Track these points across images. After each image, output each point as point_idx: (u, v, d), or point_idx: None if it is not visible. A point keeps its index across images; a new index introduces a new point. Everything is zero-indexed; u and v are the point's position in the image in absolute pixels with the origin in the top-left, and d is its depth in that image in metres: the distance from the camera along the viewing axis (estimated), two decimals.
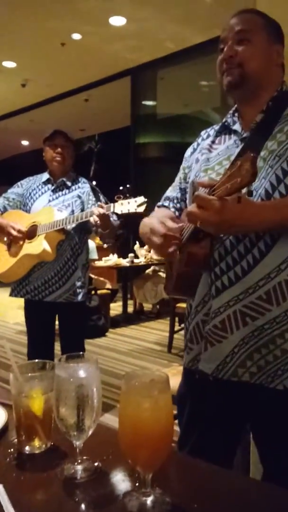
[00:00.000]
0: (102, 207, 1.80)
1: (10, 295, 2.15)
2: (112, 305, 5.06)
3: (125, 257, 5.05)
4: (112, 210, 1.77)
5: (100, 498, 0.58)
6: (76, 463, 0.63)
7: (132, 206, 1.73)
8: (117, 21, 4.39)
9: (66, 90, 6.43)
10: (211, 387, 0.94)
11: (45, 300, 2.03)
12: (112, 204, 1.79)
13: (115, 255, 5.07)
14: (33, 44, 4.89)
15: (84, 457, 0.64)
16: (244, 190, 0.80)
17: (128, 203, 1.75)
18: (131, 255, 5.03)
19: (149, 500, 0.56)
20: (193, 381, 0.99)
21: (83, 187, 2.10)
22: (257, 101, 0.94)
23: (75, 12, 4.21)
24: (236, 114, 1.00)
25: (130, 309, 5.33)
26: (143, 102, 6.16)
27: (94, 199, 2.08)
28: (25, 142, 9.89)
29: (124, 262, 4.96)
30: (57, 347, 2.17)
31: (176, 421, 1.07)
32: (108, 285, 4.94)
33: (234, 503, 0.58)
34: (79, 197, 2.06)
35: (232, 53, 0.92)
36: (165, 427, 0.56)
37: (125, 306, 5.16)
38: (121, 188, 8.27)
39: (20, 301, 2.25)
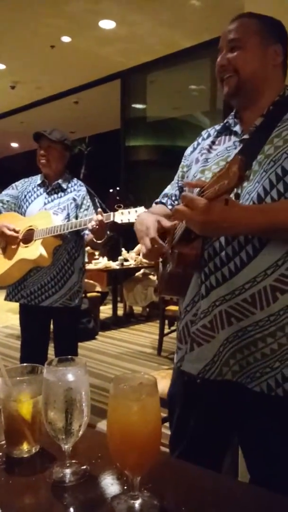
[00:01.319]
0: (101, 214, 1.78)
1: (5, 299, 2.12)
2: (102, 308, 5.04)
3: (115, 260, 5.04)
4: (111, 219, 1.76)
5: (89, 501, 0.58)
6: (64, 467, 0.63)
7: (132, 216, 1.72)
8: (106, 24, 4.41)
9: (56, 93, 6.42)
10: (199, 388, 0.95)
11: (41, 305, 2.01)
12: (112, 213, 1.77)
13: (105, 258, 5.06)
14: (22, 46, 4.88)
15: (73, 461, 0.64)
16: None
17: (129, 212, 1.73)
18: (121, 258, 5.03)
19: (137, 503, 0.56)
20: (183, 382, 0.99)
21: (79, 190, 2.08)
22: (257, 104, 0.94)
23: (65, 15, 4.21)
24: (237, 116, 1.00)
25: (120, 312, 5.32)
26: (133, 105, 6.19)
27: (88, 203, 2.05)
28: (15, 144, 9.82)
29: (114, 265, 4.95)
30: (50, 350, 2.15)
31: (166, 424, 1.08)
32: (98, 288, 4.92)
33: (222, 506, 0.58)
34: (74, 200, 2.04)
35: (224, 62, 0.94)
36: (153, 431, 0.57)
37: (115, 309, 5.15)
38: (111, 190, 8.27)
39: (10, 304, 2.23)
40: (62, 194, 2.06)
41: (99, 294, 4.82)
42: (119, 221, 1.74)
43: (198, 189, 0.82)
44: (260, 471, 0.92)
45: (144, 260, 5.06)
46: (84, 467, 0.64)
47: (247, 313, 0.87)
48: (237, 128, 0.98)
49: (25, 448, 0.68)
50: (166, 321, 3.97)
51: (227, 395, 0.93)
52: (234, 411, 0.94)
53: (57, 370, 0.64)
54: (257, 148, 0.89)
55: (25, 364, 0.72)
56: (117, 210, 1.76)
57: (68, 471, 0.63)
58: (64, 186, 2.07)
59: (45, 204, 2.03)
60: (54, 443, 0.64)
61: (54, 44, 4.82)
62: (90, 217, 1.84)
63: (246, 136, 0.94)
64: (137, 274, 5.23)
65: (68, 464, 0.64)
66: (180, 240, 0.90)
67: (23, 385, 0.68)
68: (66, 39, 4.73)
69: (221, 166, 0.94)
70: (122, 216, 1.74)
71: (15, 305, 2.20)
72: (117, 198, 6.93)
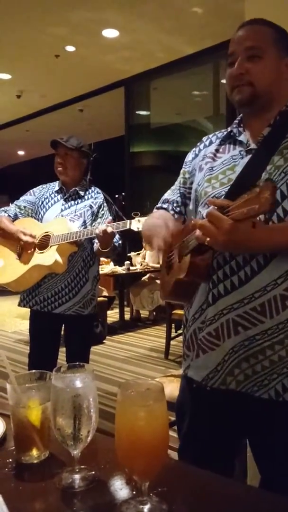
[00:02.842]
0: (109, 224, 1.77)
1: (19, 305, 2.12)
2: (109, 312, 5.05)
3: (121, 264, 5.06)
4: (128, 226, 1.75)
5: (98, 507, 0.59)
6: (73, 473, 0.64)
7: None
8: (110, 33, 4.46)
9: (60, 101, 6.50)
10: (207, 395, 0.95)
11: (54, 312, 2.00)
12: (128, 221, 1.76)
13: (111, 263, 5.08)
14: (28, 56, 4.96)
15: (82, 466, 0.65)
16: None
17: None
18: (127, 262, 5.05)
19: (146, 508, 0.57)
20: (191, 389, 1.00)
21: (96, 197, 2.07)
22: (265, 115, 0.94)
23: (69, 25, 4.28)
24: (242, 125, 1.00)
25: (127, 316, 5.33)
26: (137, 112, 6.23)
27: (103, 212, 2.05)
28: (21, 152, 9.93)
29: (120, 269, 4.97)
30: (61, 356, 2.16)
31: (174, 427, 1.08)
32: (105, 293, 4.94)
33: (232, 510, 0.58)
34: (91, 207, 2.04)
35: (243, 70, 0.91)
36: (160, 436, 0.57)
37: (122, 313, 5.16)
38: (116, 196, 8.30)
39: (19, 310, 2.24)
40: (79, 201, 2.06)
41: (106, 299, 4.84)
42: (135, 229, 1.72)
43: (220, 207, 0.80)
44: (272, 474, 0.92)
45: (151, 264, 5.08)
46: (93, 472, 0.65)
47: (255, 322, 0.87)
48: (242, 138, 0.97)
49: (35, 454, 0.69)
50: (173, 325, 3.96)
51: (235, 402, 0.93)
52: (243, 417, 0.94)
53: (65, 376, 0.65)
54: (266, 159, 0.89)
55: (33, 371, 0.73)
56: (133, 218, 1.75)
57: (77, 476, 0.64)
58: (81, 193, 2.07)
59: (62, 210, 2.04)
60: (63, 449, 0.65)
61: (58, 53, 4.89)
62: (100, 226, 1.84)
63: (253, 146, 0.94)
64: (143, 278, 5.24)
65: (77, 470, 0.64)
66: (193, 250, 0.89)
67: (32, 391, 0.69)
68: (70, 48, 4.79)
69: (228, 175, 0.95)
70: (139, 223, 1.72)
71: (24, 311, 2.21)
72: (123, 203, 6.96)
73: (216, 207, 0.80)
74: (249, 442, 1.01)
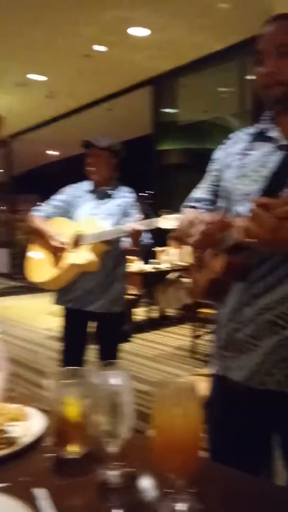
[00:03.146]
0: (138, 222, 1.81)
1: (55, 303, 2.19)
2: (136, 310, 5.09)
3: (148, 262, 5.07)
4: (156, 224, 1.77)
5: (134, 503, 0.60)
6: (110, 469, 0.66)
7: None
8: (138, 31, 4.47)
9: (90, 101, 6.57)
10: (241, 395, 0.95)
11: (85, 310, 2.05)
12: (156, 219, 1.78)
13: (139, 261, 5.10)
14: (57, 56, 5.05)
15: (118, 463, 0.66)
16: None
17: (173, 218, 1.68)
18: (154, 260, 5.06)
19: (181, 506, 0.58)
20: (223, 388, 1.00)
21: (127, 197, 2.10)
22: None
23: (98, 24, 4.32)
24: (272, 121, 0.98)
25: (154, 314, 5.34)
26: (165, 110, 6.21)
27: (132, 211, 2.07)
28: (52, 152, 10.13)
29: (148, 267, 4.98)
30: (91, 353, 2.21)
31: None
32: (133, 291, 4.96)
33: (265, 509, 0.59)
34: (121, 206, 2.07)
35: (274, 68, 0.89)
36: (196, 434, 0.58)
37: (149, 311, 5.17)
38: (143, 194, 8.32)
39: (50, 307, 2.29)
40: (109, 200, 2.09)
41: (133, 296, 4.87)
42: (163, 227, 1.73)
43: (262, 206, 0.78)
44: None
45: (177, 262, 5.05)
46: (129, 469, 0.66)
47: None
48: (272, 134, 0.96)
49: (72, 450, 0.70)
50: (199, 324, 3.94)
51: (269, 402, 0.92)
52: (276, 417, 0.93)
53: (103, 374, 0.66)
54: None
55: (70, 367, 0.75)
56: (160, 216, 1.76)
57: (113, 473, 0.65)
58: (111, 192, 2.10)
59: (92, 210, 2.07)
60: (100, 445, 0.66)
61: (88, 53, 4.94)
62: (129, 224, 1.87)
63: (285, 142, 0.92)
64: (168, 276, 5.23)
65: (113, 467, 0.66)
66: (230, 249, 0.87)
67: (70, 388, 0.71)
68: (99, 47, 4.84)
69: (259, 172, 0.93)
70: (166, 221, 1.73)
71: (55, 308, 2.27)
72: (150, 201, 6.97)
73: (257, 205, 0.77)
74: (282, 442, 1.00)
